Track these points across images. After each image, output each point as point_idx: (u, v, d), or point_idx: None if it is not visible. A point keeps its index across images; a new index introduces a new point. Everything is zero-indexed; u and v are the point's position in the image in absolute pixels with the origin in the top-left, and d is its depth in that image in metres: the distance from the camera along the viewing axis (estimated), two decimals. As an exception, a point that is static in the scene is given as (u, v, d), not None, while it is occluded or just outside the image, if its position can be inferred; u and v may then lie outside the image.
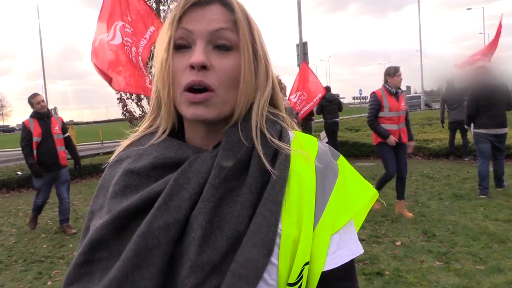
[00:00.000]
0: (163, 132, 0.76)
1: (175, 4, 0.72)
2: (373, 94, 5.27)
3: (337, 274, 0.70)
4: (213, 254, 0.62)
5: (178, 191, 0.65)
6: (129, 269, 0.61)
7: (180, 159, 0.70)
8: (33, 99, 5.53)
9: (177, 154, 0.70)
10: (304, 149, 0.73)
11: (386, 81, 5.21)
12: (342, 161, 0.77)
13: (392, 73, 5.18)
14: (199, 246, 0.61)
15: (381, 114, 5.17)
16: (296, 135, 0.76)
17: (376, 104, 5.18)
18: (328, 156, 0.75)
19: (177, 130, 0.78)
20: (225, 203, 0.65)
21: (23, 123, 5.60)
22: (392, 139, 5.07)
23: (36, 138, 5.43)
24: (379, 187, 5.35)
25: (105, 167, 0.79)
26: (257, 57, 0.73)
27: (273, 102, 0.78)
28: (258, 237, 0.62)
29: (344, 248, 0.71)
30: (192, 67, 0.67)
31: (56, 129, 5.60)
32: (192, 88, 0.68)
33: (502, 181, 6.18)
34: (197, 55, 0.67)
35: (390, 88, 5.13)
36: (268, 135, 0.70)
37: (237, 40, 0.69)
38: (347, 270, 0.71)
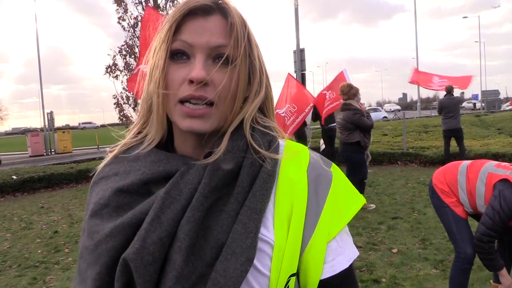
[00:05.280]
0: (151, 142, 0.74)
1: (173, 10, 0.70)
2: (508, 186, 2.43)
3: (337, 280, 0.70)
4: (198, 264, 0.61)
5: (170, 204, 0.63)
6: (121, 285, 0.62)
7: (170, 172, 0.68)
8: None
9: (166, 168, 0.69)
10: (295, 159, 0.73)
11: None
12: (334, 168, 0.77)
13: None
14: (186, 256, 0.60)
15: None
16: (287, 144, 0.76)
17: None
18: (320, 164, 0.75)
19: (166, 138, 0.76)
20: (211, 212, 0.64)
21: None
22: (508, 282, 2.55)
23: None
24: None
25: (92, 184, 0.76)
26: (253, 70, 0.72)
27: (264, 111, 0.77)
28: (236, 245, 0.61)
29: (342, 254, 0.71)
30: (191, 81, 0.66)
31: None
32: (189, 101, 0.67)
33: None
34: (198, 71, 0.65)
35: None
36: (256, 146, 0.69)
37: (236, 54, 0.68)
38: (347, 276, 0.71)
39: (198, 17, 0.68)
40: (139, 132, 0.76)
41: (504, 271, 2.58)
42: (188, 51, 0.68)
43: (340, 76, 8.43)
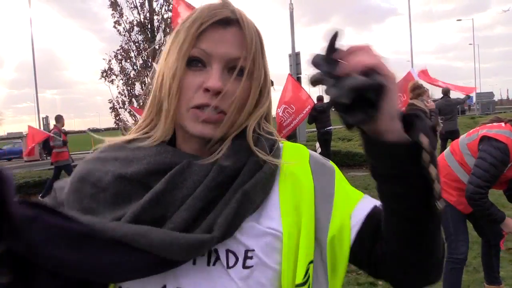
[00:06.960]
0: (153, 141, 0.73)
1: (193, 18, 0.69)
2: (500, 145, 2.43)
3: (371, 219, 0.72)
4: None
5: (172, 189, 0.65)
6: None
7: (177, 164, 0.68)
8: None
9: (172, 160, 0.69)
10: (295, 156, 0.76)
11: None
12: (333, 164, 0.80)
13: None
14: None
15: None
16: (285, 145, 0.78)
17: (503, 160, 2.45)
18: (320, 157, 0.79)
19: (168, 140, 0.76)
20: (209, 206, 0.65)
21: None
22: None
23: None
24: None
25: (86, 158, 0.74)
26: (266, 83, 0.75)
27: (266, 117, 0.79)
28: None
29: (361, 208, 0.73)
30: (207, 90, 0.67)
31: None
32: (203, 108, 0.68)
33: None
34: (215, 81, 0.66)
35: None
36: (260, 149, 0.71)
37: (251, 67, 0.70)
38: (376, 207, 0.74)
39: (218, 27, 0.69)
40: (146, 133, 0.76)
41: (508, 220, 2.56)
42: (205, 59, 0.69)
43: (408, 77, 8.45)
